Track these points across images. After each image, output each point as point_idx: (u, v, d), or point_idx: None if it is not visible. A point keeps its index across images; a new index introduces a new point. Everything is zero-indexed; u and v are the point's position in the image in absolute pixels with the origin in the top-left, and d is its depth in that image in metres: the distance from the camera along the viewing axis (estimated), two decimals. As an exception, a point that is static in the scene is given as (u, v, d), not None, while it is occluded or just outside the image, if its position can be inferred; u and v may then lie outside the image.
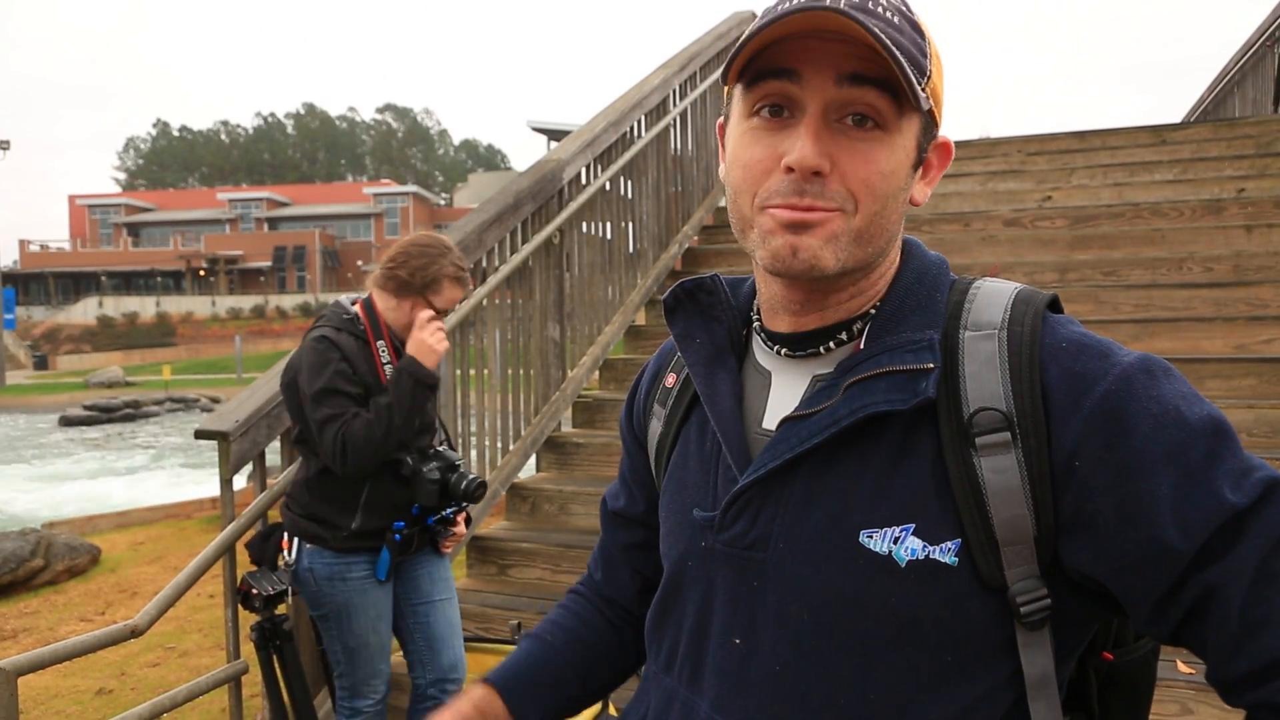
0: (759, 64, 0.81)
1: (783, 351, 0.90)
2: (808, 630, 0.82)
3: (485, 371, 4.02)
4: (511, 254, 4.12)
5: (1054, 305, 0.85)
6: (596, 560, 1.17)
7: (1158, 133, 6.81)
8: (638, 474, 1.08)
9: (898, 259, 0.89)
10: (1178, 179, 6.06)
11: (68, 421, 27.05)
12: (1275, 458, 3.29)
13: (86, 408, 28.23)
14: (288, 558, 2.55)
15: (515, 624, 2.80)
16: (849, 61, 0.78)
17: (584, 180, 4.70)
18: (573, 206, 4.49)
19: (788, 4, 0.77)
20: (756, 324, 0.94)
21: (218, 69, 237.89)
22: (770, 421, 0.88)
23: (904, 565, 0.78)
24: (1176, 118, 9.63)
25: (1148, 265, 4.89)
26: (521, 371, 4.26)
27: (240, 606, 2.71)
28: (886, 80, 0.77)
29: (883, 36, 0.74)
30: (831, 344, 0.87)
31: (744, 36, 0.79)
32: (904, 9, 0.81)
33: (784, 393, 0.89)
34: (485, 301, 3.93)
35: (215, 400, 31.66)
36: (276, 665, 2.65)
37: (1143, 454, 0.74)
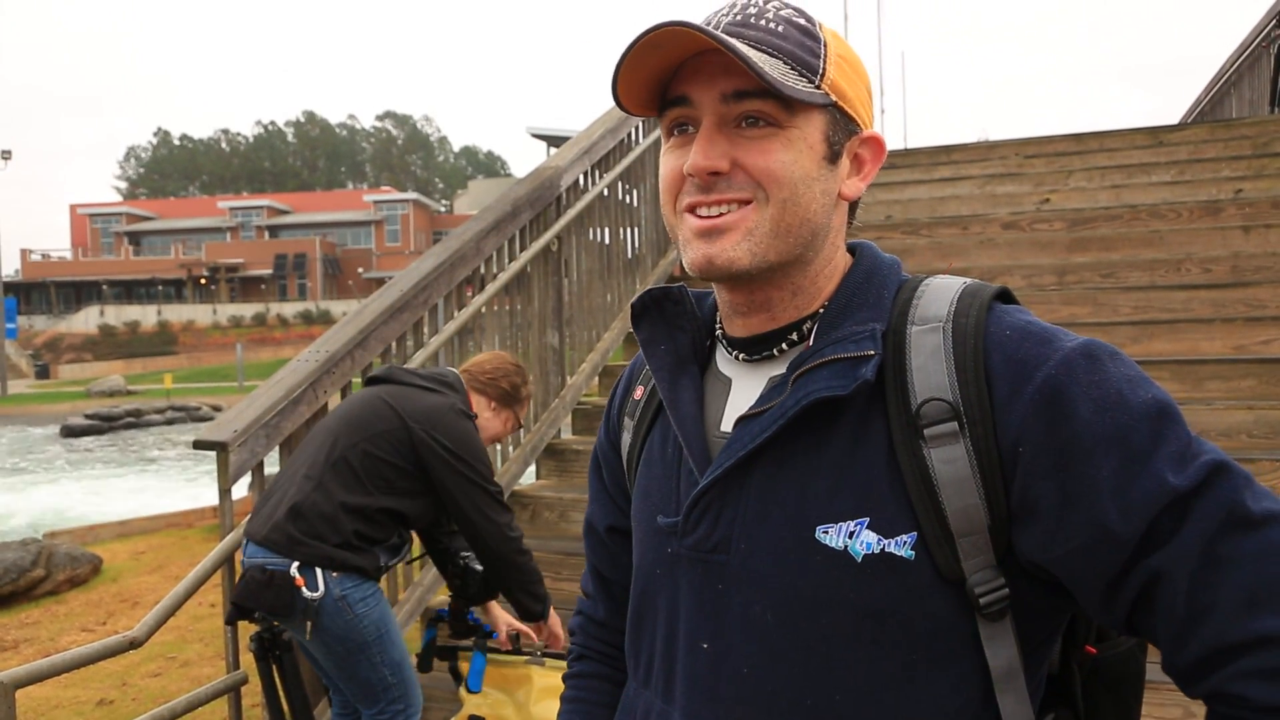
0: (668, 94, 0.87)
1: (740, 356, 0.92)
2: (772, 630, 0.82)
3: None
4: (510, 261, 4.13)
5: (1004, 297, 0.86)
6: (596, 599, 1.15)
7: (1155, 134, 6.81)
8: (622, 487, 1.08)
9: (843, 261, 0.92)
10: (1175, 180, 6.06)
11: (69, 431, 27.04)
12: (1275, 459, 3.29)
13: (88, 417, 28.23)
14: (310, 592, 2.37)
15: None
16: (729, 80, 0.82)
17: (582, 187, 4.71)
18: (571, 213, 4.49)
19: (658, 25, 0.81)
20: (719, 332, 0.96)
21: (218, 78, 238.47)
22: (728, 424, 0.90)
23: (860, 560, 0.79)
24: (1175, 118, 9.66)
25: (1146, 267, 4.88)
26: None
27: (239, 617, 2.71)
28: (764, 89, 0.81)
29: (743, 50, 0.78)
30: (784, 345, 0.89)
31: (617, 60, 0.84)
32: (792, 17, 0.85)
33: (742, 396, 0.90)
34: (484, 309, 3.93)
35: (217, 408, 31.63)
36: (276, 676, 2.65)
37: (1083, 437, 0.74)
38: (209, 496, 11.55)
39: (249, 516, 2.56)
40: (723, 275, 0.85)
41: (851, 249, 0.94)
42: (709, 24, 0.84)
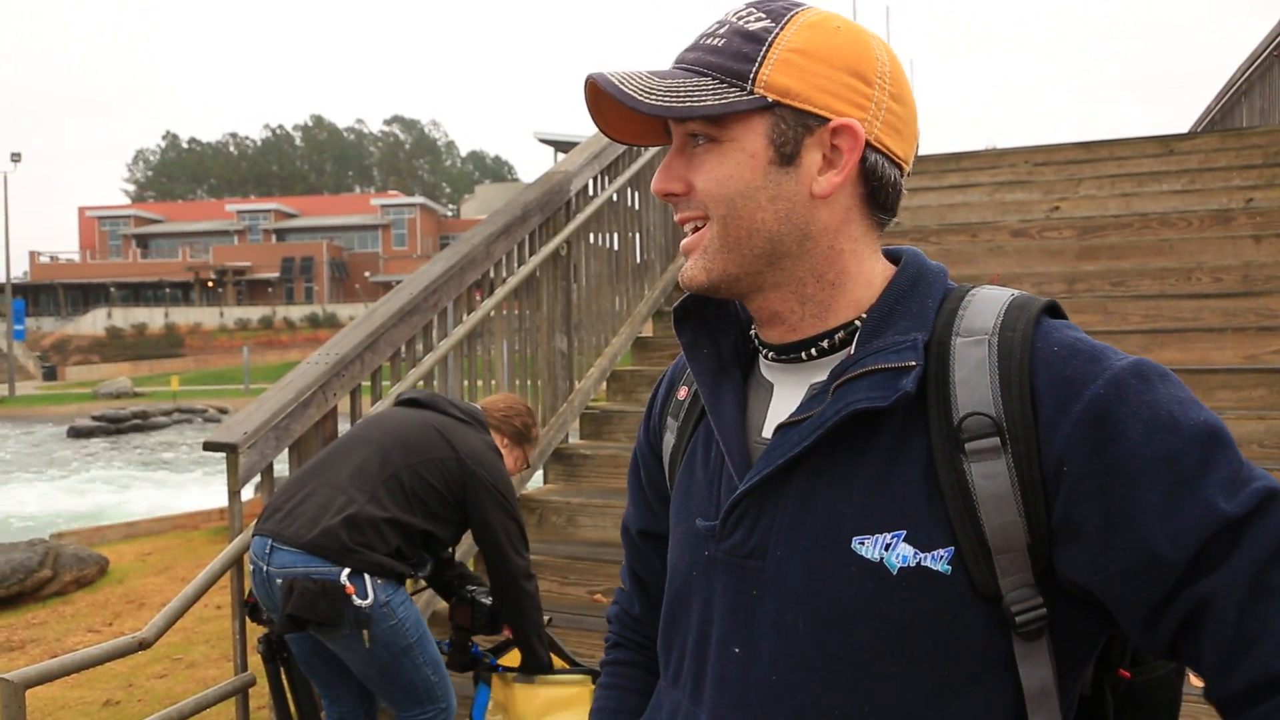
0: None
1: (770, 355, 0.92)
2: (803, 639, 0.82)
3: (494, 382, 4.02)
4: (519, 265, 4.13)
5: (1053, 310, 0.85)
6: (632, 594, 1.16)
7: (1165, 143, 6.81)
8: (659, 489, 1.08)
9: (874, 268, 0.90)
10: (1186, 189, 6.05)
11: (76, 432, 27.18)
12: (1286, 469, 3.28)
13: (95, 418, 28.35)
14: (360, 600, 2.37)
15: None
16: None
17: (591, 192, 4.71)
18: (580, 218, 4.50)
19: (587, 79, 0.87)
20: (755, 336, 0.96)
21: (226, 82, 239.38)
22: (769, 430, 0.89)
23: (895, 573, 0.78)
24: (1183, 129, 9.63)
25: (1156, 275, 4.87)
26: (529, 382, 4.26)
27: (248, 618, 2.71)
28: (694, 114, 0.84)
29: (634, 94, 0.82)
30: (814, 350, 0.89)
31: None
32: (745, 25, 0.85)
33: (783, 402, 0.90)
34: (493, 313, 3.93)
35: (223, 411, 31.73)
36: (284, 678, 2.65)
37: (1132, 460, 0.73)
38: (215, 498, 11.59)
39: (264, 517, 2.53)
40: (692, 290, 0.89)
41: (896, 256, 0.93)
42: (682, 48, 0.89)
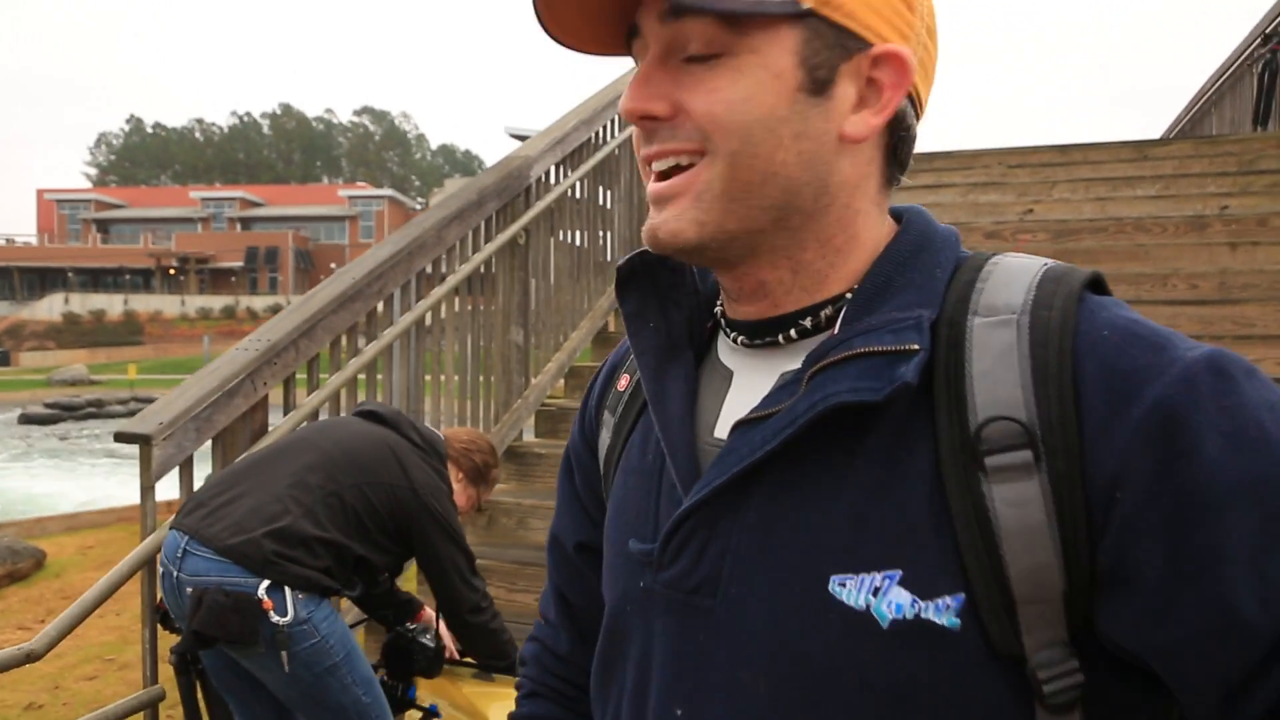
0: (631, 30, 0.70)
1: (740, 340, 0.73)
2: (764, 703, 0.64)
3: (442, 377, 3.81)
4: (474, 253, 3.92)
5: (1096, 284, 0.66)
6: (558, 627, 0.95)
7: (1139, 148, 6.74)
8: (597, 496, 0.89)
9: (881, 229, 0.71)
10: (1160, 195, 5.98)
11: (28, 419, 26.63)
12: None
13: (48, 405, 27.83)
14: (278, 617, 2.14)
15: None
16: None
17: (553, 180, 4.51)
18: (540, 206, 4.29)
19: None
20: (719, 311, 0.78)
21: (194, 67, 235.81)
22: (724, 429, 0.71)
23: (887, 625, 0.60)
24: (1156, 135, 9.62)
25: (1131, 281, 4.77)
26: (482, 378, 4.05)
27: (160, 626, 2.48)
28: (702, 6, 0.63)
29: None
30: (793, 332, 0.70)
31: None
32: None
33: (744, 393, 0.71)
34: (444, 302, 3.72)
35: (180, 401, 31.07)
36: (199, 692, 2.42)
37: (1210, 485, 0.55)
38: (166, 490, 11.16)
39: (185, 510, 2.27)
40: (671, 251, 0.68)
41: (898, 215, 0.74)
42: None
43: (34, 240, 66.43)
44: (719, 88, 0.64)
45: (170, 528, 2.29)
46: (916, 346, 0.62)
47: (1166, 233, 5.26)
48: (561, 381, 4.66)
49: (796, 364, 0.69)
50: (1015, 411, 0.59)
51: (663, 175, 0.68)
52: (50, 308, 54.71)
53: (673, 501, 0.71)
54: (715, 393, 0.74)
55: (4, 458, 19.50)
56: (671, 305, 0.78)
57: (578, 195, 4.73)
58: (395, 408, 2.64)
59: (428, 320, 3.65)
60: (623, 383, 0.84)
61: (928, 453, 0.62)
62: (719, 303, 0.78)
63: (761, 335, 0.72)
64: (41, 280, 60.37)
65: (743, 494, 0.66)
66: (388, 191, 68.83)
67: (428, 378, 3.72)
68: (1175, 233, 5.25)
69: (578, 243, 4.80)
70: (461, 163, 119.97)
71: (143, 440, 2.44)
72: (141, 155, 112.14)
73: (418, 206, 75.32)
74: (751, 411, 0.67)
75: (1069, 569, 0.58)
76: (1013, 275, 0.65)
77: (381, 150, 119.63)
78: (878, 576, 0.61)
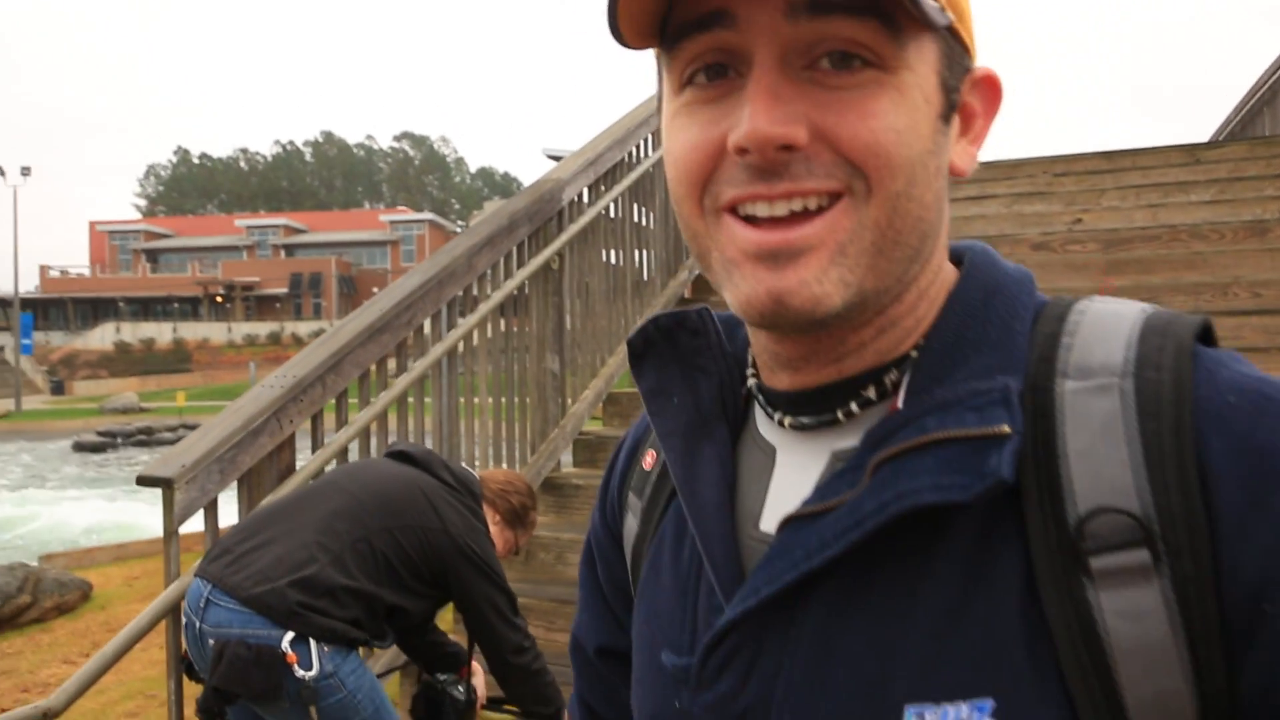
0: (678, 14, 0.53)
1: (785, 421, 0.60)
2: None
3: (475, 400, 3.72)
4: (506, 279, 3.84)
5: (1205, 334, 0.54)
6: None
7: (1191, 152, 6.53)
8: (623, 591, 0.77)
9: (948, 273, 0.60)
10: (1216, 199, 5.77)
11: (81, 447, 27.09)
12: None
13: (100, 433, 28.29)
14: (303, 671, 2.05)
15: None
16: None
17: (586, 201, 4.42)
18: (573, 229, 4.21)
19: None
20: (753, 380, 0.65)
21: (238, 98, 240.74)
22: (771, 520, 0.59)
23: None
24: (1196, 139, 9.34)
25: (1190, 291, 4.58)
26: (517, 402, 3.96)
27: (185, 676, 2.41)
28: (866, 2, 0.50)
29: None
30: (854, 406, 0.58)
31: None
32: None
33: (792, 476, 0.60)
34: (476, 331, 3.64)
35: (228, 427, 31.52)
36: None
37: None
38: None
39: (210, 557, 2.21)
40: (801, 322, 0.54)
41: (957, 254, 0.62)
42: None
43: (87, 271, 67.97)
44: (881, 111, 0.51)
45: (194, 575, 2.22)
46: (1007, 429, 0.50)
47: (1225, 239, 5.06)
48: (600, 408, 4.55)
49: (851, 440, 0.57)
50: (1125, 501, 0.48)
51: (777, 221, 0.53)
52: (102, 337, 55.91)
53: (712, 607, 0.60)
54: (757, 475, 0.62)
55: (54, 485, 19.83)
56: (697, 373, 0.66)
57: (612, 214, 4.64)
58: (427, 448, 2.55)
59: (460, 349, 3.57)
60: (649, 460, 0.73)
61: (1018, 553, 0.51)
62: (751, 368, 0.66)
63: (813, 410, 0.59)
64: (94, 310, 61.72)
65: (797, 605, 0.55)
66: (428, 215, 69.59)
67: (462, 400, 3.62)
68: (1234, 239, 5.05)
69: (614, 262, 4.71)
70: (500, 185, 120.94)
71: (165, 484, 2.38)
72: (189, 185, 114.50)
73: (458, 229, 76.00)
74: (804, 504, 0.56)
75: (1202, 696, 0.47)
76: (1106, 327, 0.54)
77: (421, 174, 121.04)
78: (964, 708, 0.50)
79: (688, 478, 0.63)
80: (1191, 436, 0.48)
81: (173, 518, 2.40)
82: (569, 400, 4.25)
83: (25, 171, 44.15)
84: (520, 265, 3.92)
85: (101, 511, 15.35)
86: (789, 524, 0.56)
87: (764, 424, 0.64)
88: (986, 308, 0.57)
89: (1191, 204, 5.79)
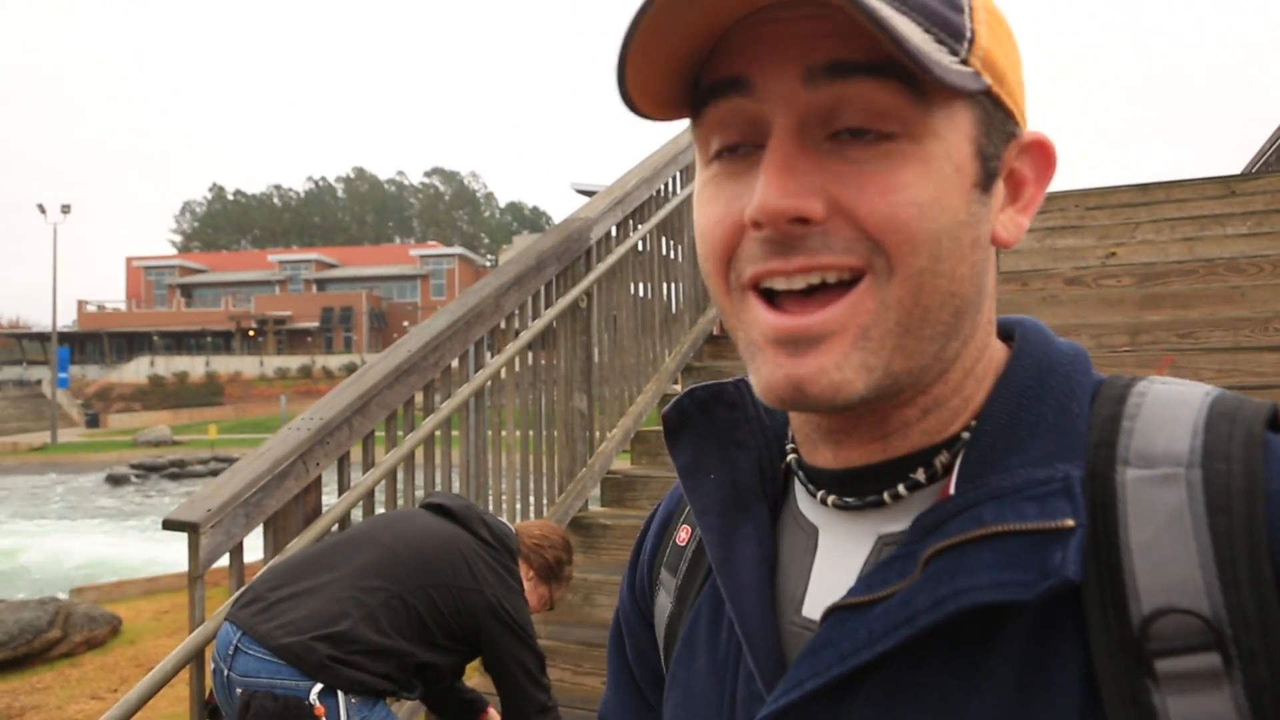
0: (706, 78, 0.52)
1: (828, 499, 0.57)
2: None
3: (504, 433, 3.69)
4: (534, 319, 3.82)
5: (1275, 421, 0.51)
6: None
7: (1226, 184, 6.43)
8: (653, 672, 0.73)
9: (996, 350, 0.57)
10: (1253, 232, 5.68)
11: (114, 480, 27.34)
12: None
13: (133, 466, 28.56)
14: None
15: None
16: (820, 44, 0.48)
17: (614, 239, 4.41)
18: (601, 268, 4.19)
19: None
20: (793, 455, 0.62)
21: (273, 135, 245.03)
22: (814, 606, 0.56)
23: None
24: (1220, 172, 9.21)
25: (1228, 326, 4.48)
26: (544, 441, 3.93)
27: (209, 722, 2.38)
28: (888, 63, 0.48)
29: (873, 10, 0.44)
30: (902, 488, 0.54)
31: (627, 27, 0.49)
32: None
33: (835, 559, 0.57)
34: (504, 372, 3.62)
35: (258, 460, 31.76)
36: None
37: None
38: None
39: (241, 602, 2.19)
40: (824, 408, 0.52)
41: (1006, 329, 0.59)
42: None
43: (123, 306, 69.07)
44: (903, 184, 0.49)
45: (224, 619, 2.20)
46: (1071, 522, 0.47)
47: (1263, 273, 4.97)
48: (628, 446, 4.52)
49: (899, 524, 0.55)
50: (1194, 600, 0.45)
51: (796, 297, 0.51)
52: (137, 370, 56.66)
53: (752, 695, 0.57)
54: (799, 556, 0.59)
55: (88, 516, 20.02)
56: (734, 447, 0.63)
57: (640, 248, 4.63)
58: (466, 501, 2.53)
59: (487, 388, 3.55)
60: (683, 535, 0.70)
61: (1077, 652, 0.47)
62: (790, 442, 0.63)
63: (858, 491, 0.56)
64: (129, 344, 62.63)
65: (842, 698, 0.52)
66: (458, 250, 70.17)
67: (489, 433, 3.60)
68: (1273, 273, 4.95)
69: (643, 296, 4.69)
70: (529, 219, 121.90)
71: (190, 528, 2.36)
72: (223, 221, 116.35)
73: (487, 264, 76.69)
74: (851, 593, 0.52)
75: None
76: (1169, 411, 0.50)
77: (451, 209, 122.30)
78: None
79: (725, 558, 0.60)
80: (1265, 532, 0.45)
81: (198, 562, 2.38)
82: (597, 439, 4.21)
83: (65, 209, 44.99)
84: (548, 304, 3.91)
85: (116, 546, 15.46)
86: (834, 613, 0.53)
87: (805, 501, 0.61)
88: (1041, 387, 0.54)
89: (1228, 237, 5.70)
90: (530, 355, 3.85)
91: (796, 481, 0.62)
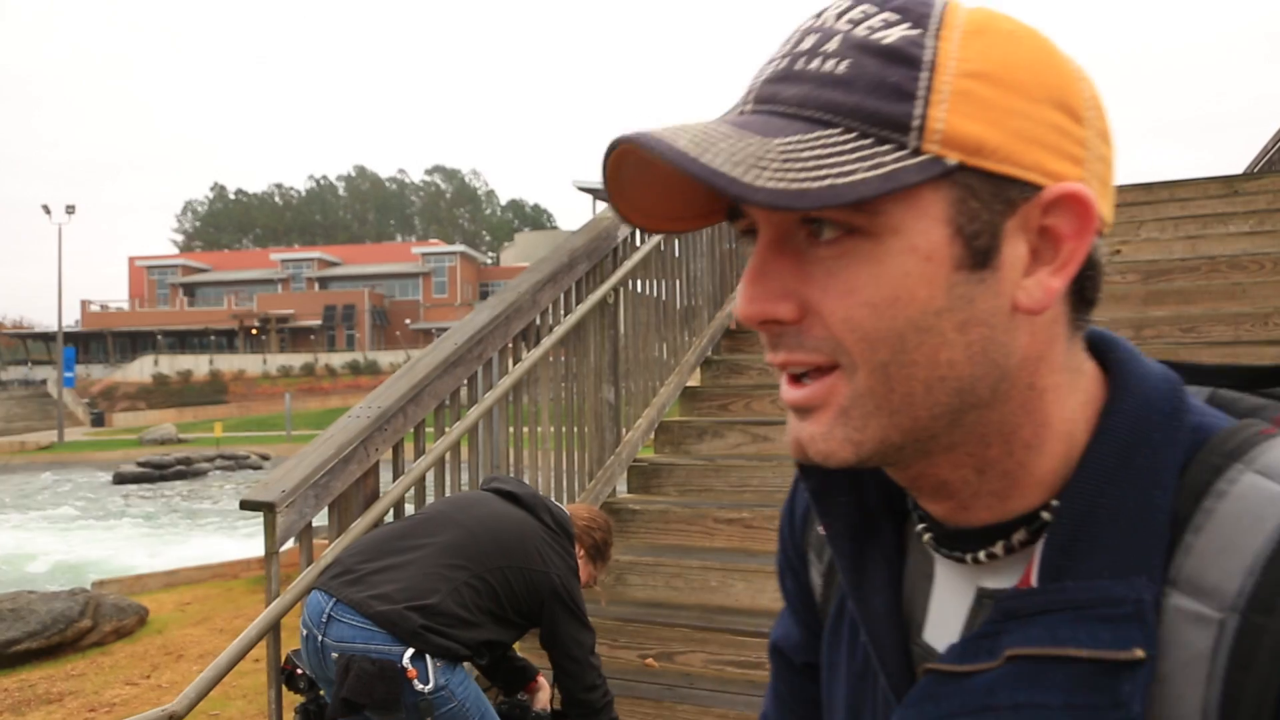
0: None
1: (930, 538, 0.61)
2: None
3: (539, 429, 3.88)
4: (566, 314, 4.01)
5: None
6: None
7: (1229, 183, 6.59)
8: (810, 619, 0.79)
9: (1077, 396, 0.56)
10: (1255, 230, 5.83)
11: (121, 478, 27.46)
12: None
13: (140, 464, 28.66)
14: (422, 685, 2.25)
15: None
16: None
17: (638, 238, 4.60)
18: (627, 265, 4.38)
19: (610, 144, 0.53)
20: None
21: (274, 134, 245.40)
22: (933, 633, 0.61)
23: None
24: (1218, 172, 9.37)
25: (1230, 321, 4.65)
26: (575, 431, 4.11)
27: (285, 687, 2.57)
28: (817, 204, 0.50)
29: (727, 170, 0.47)
30: (983, 555, 0.57)
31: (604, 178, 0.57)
32: (873, 38, 0.50)
33: (945, 598, 0.61)
34: (539, 363, 3.81)
35: (265, 457, 32.01)
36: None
37: None
38: (256, 547, 11.47)
39: (332, 574, 2.39)
40: (826, 465, 0.56)
41: (1097, 346, 0.58)
42: (760, 77, 0.54)
43: (126, 306, 69.23)
44: (857, 287, 0.50)
45: (316, 588, 2.39)
46: (1141, 654, 0.47)
47: (1264, 270, 5.11)
48: (652, 437, 4.71)
49: (993, 582, 0.58)
50: None
51: (795, 377, 0.55)
52: (141, 370, 56.85)
53: (886, 706, 0.63)
54: (920, 580, 0.63)
55: (97, 516, 20.16)
56: (863, 473, 0.65)
57: (661, 246, 4.81)
58: (531, 489, 2.75)
59: (524, 381, 3.74)
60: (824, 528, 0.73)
61: None
62: None
63: (949, 545, 0.59)
64: (133, 344, 62.81)
65: None
66: (459, 247, 70.24)
67: (525, 429, 3.79)
68: (1274, 269, 5.09)
69: (662, 295, 4.87)
70: (531, 216, 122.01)
71: (267, 508, 2.55)
72: (225, 220, 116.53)
73: (488, 261, 76.72)
74: (949, 655, 0.56)
75: None
76: (1236, 534, 0.48)
77: (453, 207, 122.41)
78: None
79: (858, 583, 0.63)
80: (1275, 696, 0.45)
81: (274, 540, 2.57)
82: (623, 429, 4.40)
83: (69, 210, 45.12)
84: (579, 300, 4.09)
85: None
86: (933, 672, 0.56)
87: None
88: (1129, 462, 0.52)
89: (1230, 235, 5.85)
90: (562, 349, 4.04)
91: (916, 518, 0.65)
